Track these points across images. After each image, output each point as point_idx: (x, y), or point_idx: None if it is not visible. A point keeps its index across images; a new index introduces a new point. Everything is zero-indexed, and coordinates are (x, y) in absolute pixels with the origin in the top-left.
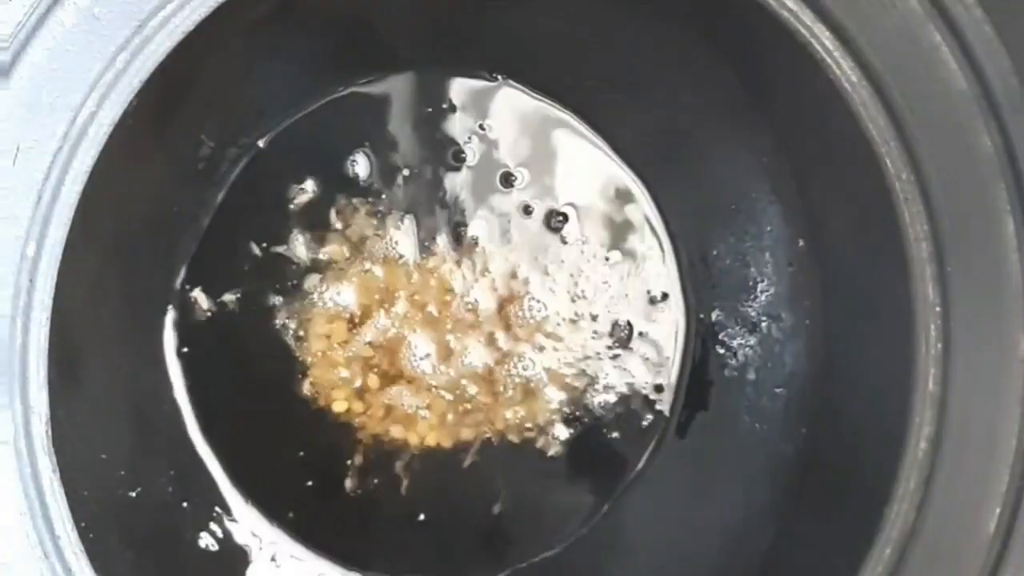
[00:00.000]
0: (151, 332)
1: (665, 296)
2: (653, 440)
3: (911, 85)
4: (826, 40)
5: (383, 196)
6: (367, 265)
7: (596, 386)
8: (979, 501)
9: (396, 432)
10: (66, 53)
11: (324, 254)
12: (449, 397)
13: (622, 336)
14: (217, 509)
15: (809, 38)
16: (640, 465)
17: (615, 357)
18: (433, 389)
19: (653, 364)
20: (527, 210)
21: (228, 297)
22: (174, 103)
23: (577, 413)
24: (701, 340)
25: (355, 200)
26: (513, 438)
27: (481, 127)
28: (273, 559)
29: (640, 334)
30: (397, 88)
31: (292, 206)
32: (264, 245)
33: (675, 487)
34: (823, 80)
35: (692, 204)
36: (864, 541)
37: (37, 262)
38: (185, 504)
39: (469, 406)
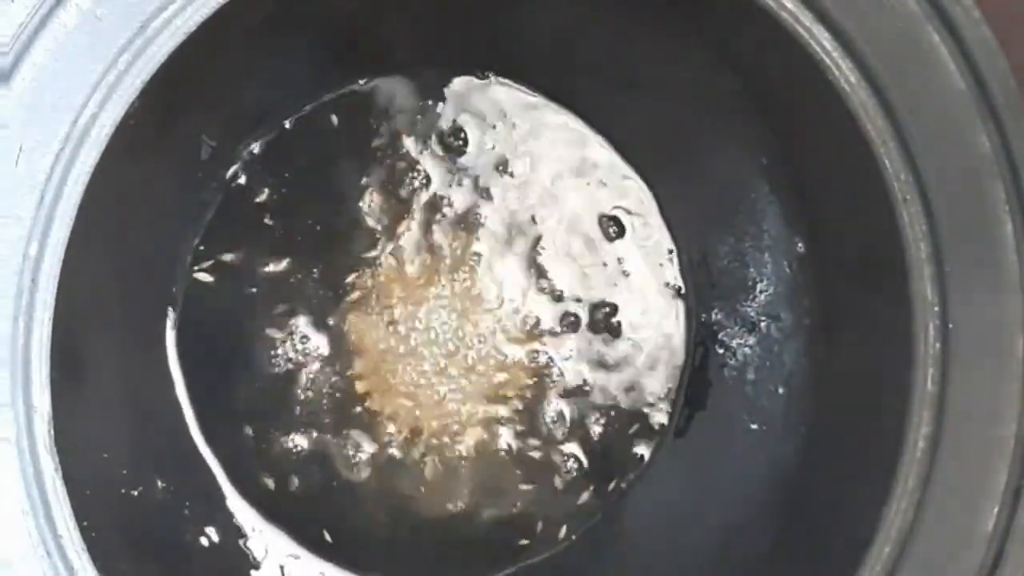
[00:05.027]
0: (153, 332)
1: (664, 296)
2: (653, 440)
3: (910, 86)
4: (825, 41)
5: (383, 195)
6: (369, 264)
7: (595, 386)
8: (977, 500)
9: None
10: (68, 54)
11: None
12: (451, 387)
13: (621, 336)
14: (218, 509)
15: (808, 39)
16: (640, 465)
17: (614, 357)
18: (434, 383)
19: (652, 364)
20: (526, 210)
21: (230, 296)
22: (176, 104)
23: (576, 413)
24: (701, 340)
25: (355, 200)
26: (512, 438)
27: (480, 127)
28: (274, 559)
29: (639, 334)
30: (397, 88)
31: (293, 205)
32: (266, 242)
33: (675, 487)
34: (822, 81)
35: (692, 204)
36: (863, 540)
37: (39, 262)
38: (187, 504)
39: (467, 405)
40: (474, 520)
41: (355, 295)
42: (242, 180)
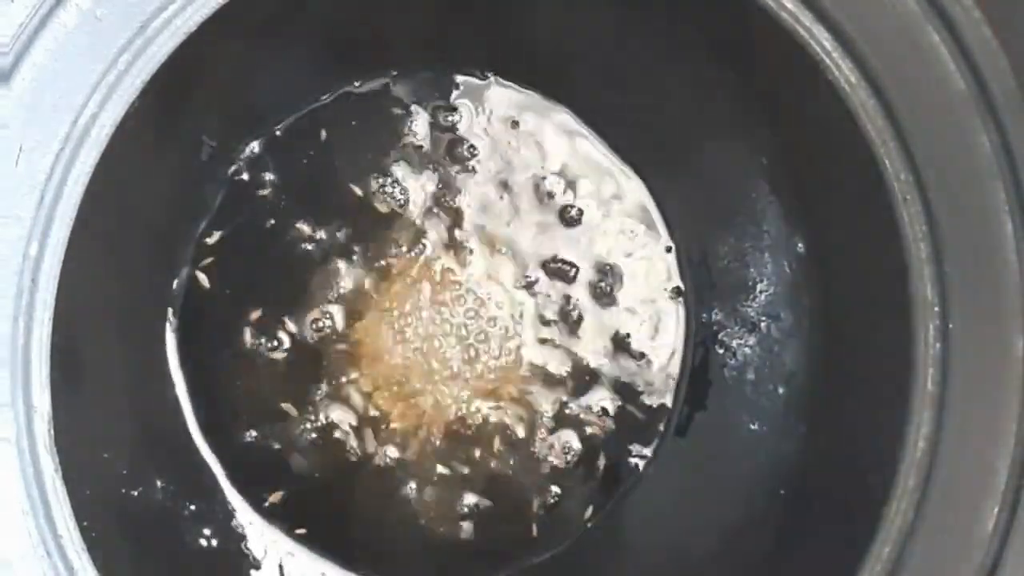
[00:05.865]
0: (152, 332)
1: (664, 296)
2: (653, 440)
3: (909, 85)
4: (825, 41)
5: (383, 195)
6: (369, 263)
7: (596, 386)
8: (977, 500)
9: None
10: (68, 54)
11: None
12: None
13: (621, 336)
14: (217, 509)
15: (808, 39)
16: (640, 465)
17: (615, 357)
18: (437, 381)
19: (653, 364)
20: (525, 210)
21: (230, 296)
22: (176, 104)
23: (577, 413)
24: (701, 340)
25: (355, 200)
26: (514, 439)
27: (481, 127)
28: (273, 559)
29: (640, 334)
30: (396, 88)
31: (292, 205)
32: (266, 243)
33: (675, 487)
34: (822, 80)
35: (692, 204)
36: (863, 540)
37: (40, 262)
38: (186, 503)
39: (465, 404)
40: (475, 520)
41: (356, 295)
42: (242, 179)
